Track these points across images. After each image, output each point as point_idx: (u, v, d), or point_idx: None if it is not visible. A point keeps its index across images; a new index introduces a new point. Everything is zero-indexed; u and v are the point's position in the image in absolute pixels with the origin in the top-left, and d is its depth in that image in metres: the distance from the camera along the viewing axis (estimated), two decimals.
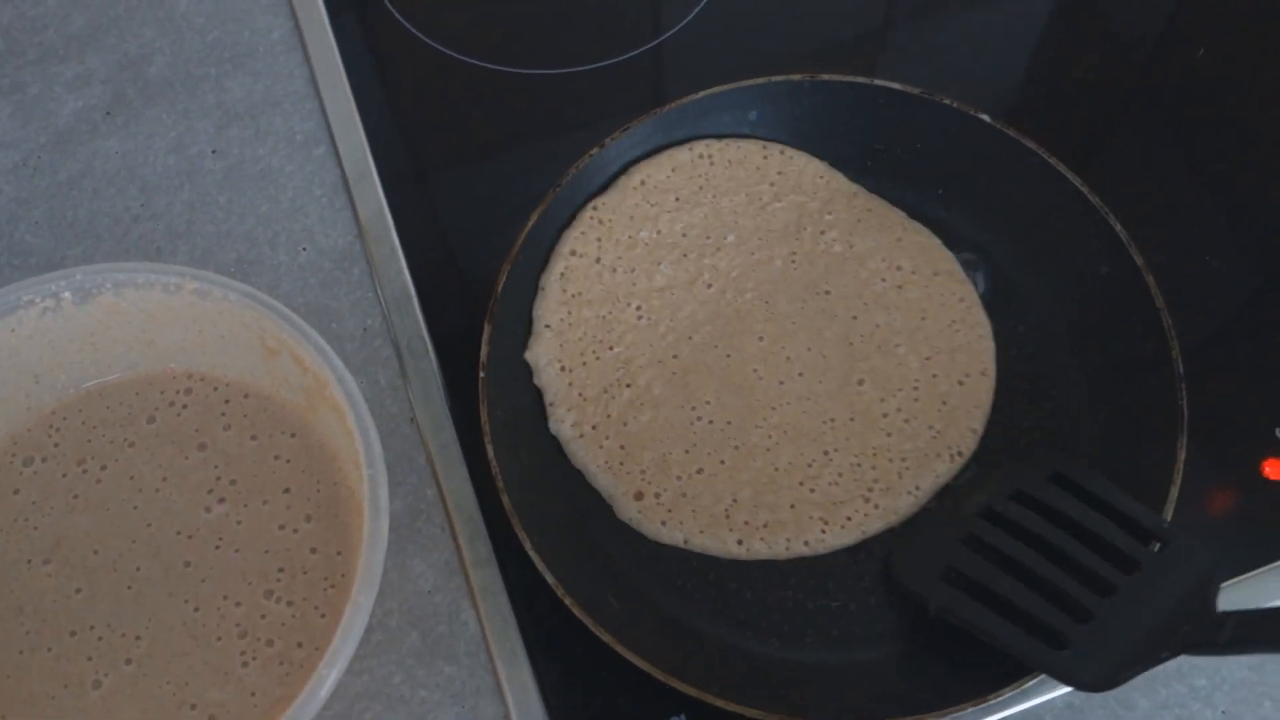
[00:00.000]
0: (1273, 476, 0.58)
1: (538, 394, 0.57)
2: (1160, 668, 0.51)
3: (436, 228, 0.64)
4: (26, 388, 0.54)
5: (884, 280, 0.60)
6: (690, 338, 0.58)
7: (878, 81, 0.60)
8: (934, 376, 0.57)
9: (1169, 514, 0.51)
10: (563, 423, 0.56)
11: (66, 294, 0.51)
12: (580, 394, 0.57)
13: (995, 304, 0.60)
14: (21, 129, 0.66)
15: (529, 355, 0.57)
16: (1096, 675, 0.48)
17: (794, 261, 0.60)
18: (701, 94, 0.59)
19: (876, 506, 0.55)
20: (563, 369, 0.57)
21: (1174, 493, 0.51)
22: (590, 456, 0.56)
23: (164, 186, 0.64)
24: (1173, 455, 0.52)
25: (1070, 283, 0.59)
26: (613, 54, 0.69)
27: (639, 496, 0.55)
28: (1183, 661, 0.53)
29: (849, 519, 0.54)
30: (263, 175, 0.64)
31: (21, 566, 0.51)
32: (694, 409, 0.57)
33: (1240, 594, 0.54)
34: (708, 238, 0.60)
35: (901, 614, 0.53)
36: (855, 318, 0.59)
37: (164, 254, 0.62)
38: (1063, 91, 0.70)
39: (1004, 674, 0.49)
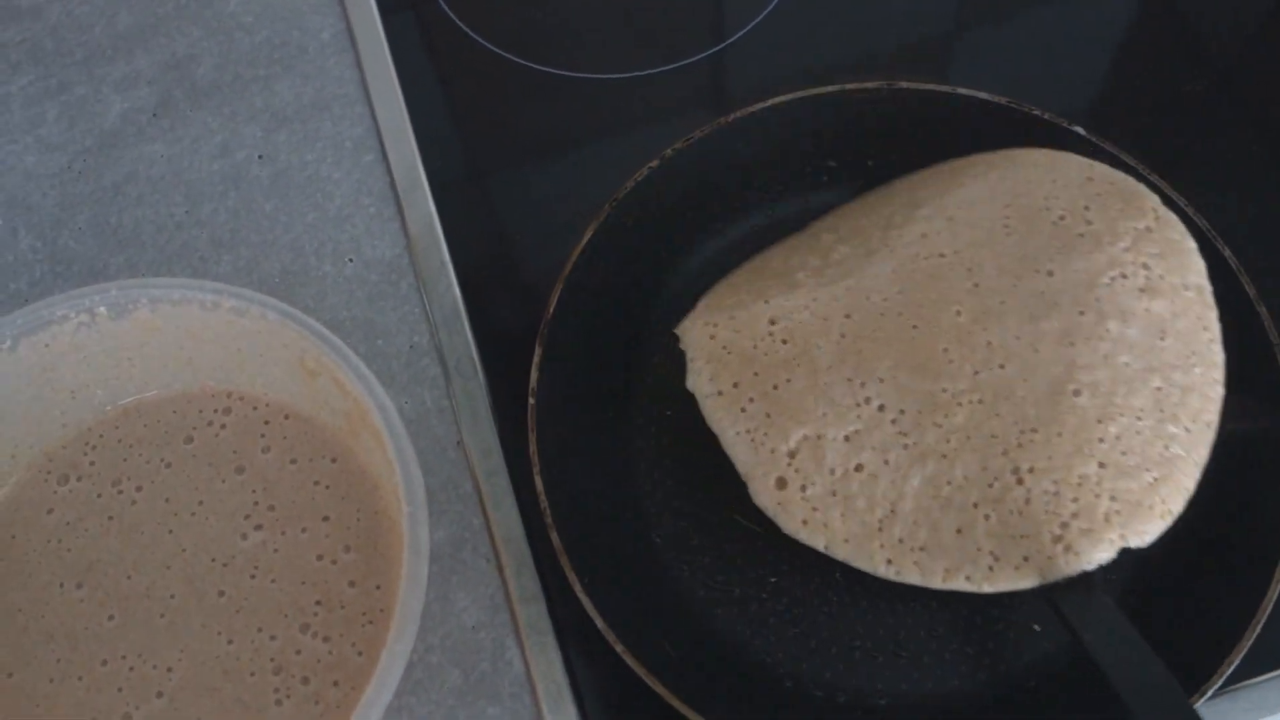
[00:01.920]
0: None
1: (593, 424, 0.54)
2: None
3: (489, 240, 0.61)
4: (62, 404, 0.52)
5: (1125, 277, 0.47)
6: (869, 297, 0.48)
7: (961, 90, 0.55)
8: (1162, 412, 0.46)
9: None
10: (699, 374, 0.48)
11: (102, 309, 0.49)
12: (725, 347, 0.48)
13: None
14: (68, 131, 0.64)
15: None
16: None
17: (1008, 225, 0.49)
18: (770, 102, 0.56)
19: (1068, 549, 0.44)
20: (706, 323, 0.50)
21: None
22: (729, 420, 0.47)
23: (209, 193, 0.62)
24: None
25: None
26: (675, 59, 0.66)
27: (781, 484, 0.46)
28: None
29: (1026, 559, 0.44)
30: (310, 182, 0.62)
31: (54, 590, 0.50)
32: (863, 386, 0.47)
33: None
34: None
35: (975, 670, 0.50)
36: (1082, 313, 0.47)
37: (207, 263, 0.60)
38: (1146, 101, 0.65)
39: None
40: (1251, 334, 0.51)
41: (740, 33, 0.67)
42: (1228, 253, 0.51)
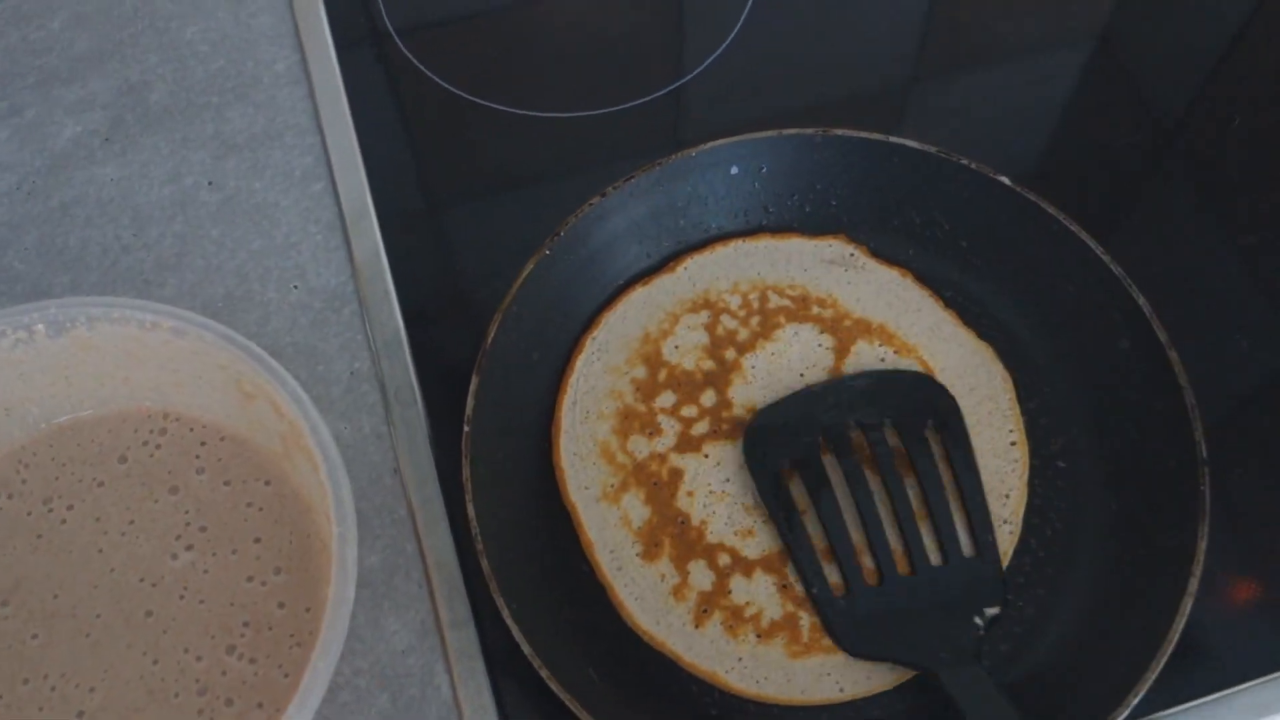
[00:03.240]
0: None
1: (526, 452, 0.55)
2: None
3: (433, 272, 0.62)
4: None
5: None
6: None
7: (893, 139, 0.57)
8: None
9: (1187, 607, 0.48)
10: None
11: (39, 326, 0.49)
12: None
13: (1013, 375, 0.57)
14: (18, 152, 0.65)
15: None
16: (854, 638, 0.51)
17: None
18: (709, 145, 0.57)
19: None
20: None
21: (1194, 584, 0.48)
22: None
23: (157, 217, 0.62)
24: (1193, 543, 0.49)
25: (1090, 356, 0.56)
26: (628, 98, 0.68)
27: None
28: None
29: None
30: (257, 209, 0.63)
31: None
32: None
33: (1265, 696, 0.51)
34: None
35: (896, 702, 0.50)
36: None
37: (151, 286, 0.60)
38: (1091, 158, 0.68)
39: None
40: (1161, 371, 0.53)
41: (694, 73, 0.69)
42: (1141, 300, 0.53)
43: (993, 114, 0.69)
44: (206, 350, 0.49)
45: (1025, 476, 0.55)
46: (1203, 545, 0.49)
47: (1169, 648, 0.47)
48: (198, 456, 0.52)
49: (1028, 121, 0.69)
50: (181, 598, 0.49)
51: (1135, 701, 0.46)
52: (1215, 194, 0.66)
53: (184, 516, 0.51)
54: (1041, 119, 0.69)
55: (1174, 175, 0.67)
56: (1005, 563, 0.53)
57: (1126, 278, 0.54)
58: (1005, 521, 0.54)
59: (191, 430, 0.53)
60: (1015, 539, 0.54)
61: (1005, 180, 0.57)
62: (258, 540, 0.50)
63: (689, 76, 0.69)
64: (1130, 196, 0.67)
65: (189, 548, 0.50)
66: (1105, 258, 0.55)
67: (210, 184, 0.64)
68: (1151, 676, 0.47)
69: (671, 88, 0.68)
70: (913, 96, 0.70)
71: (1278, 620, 0.54)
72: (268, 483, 0.51)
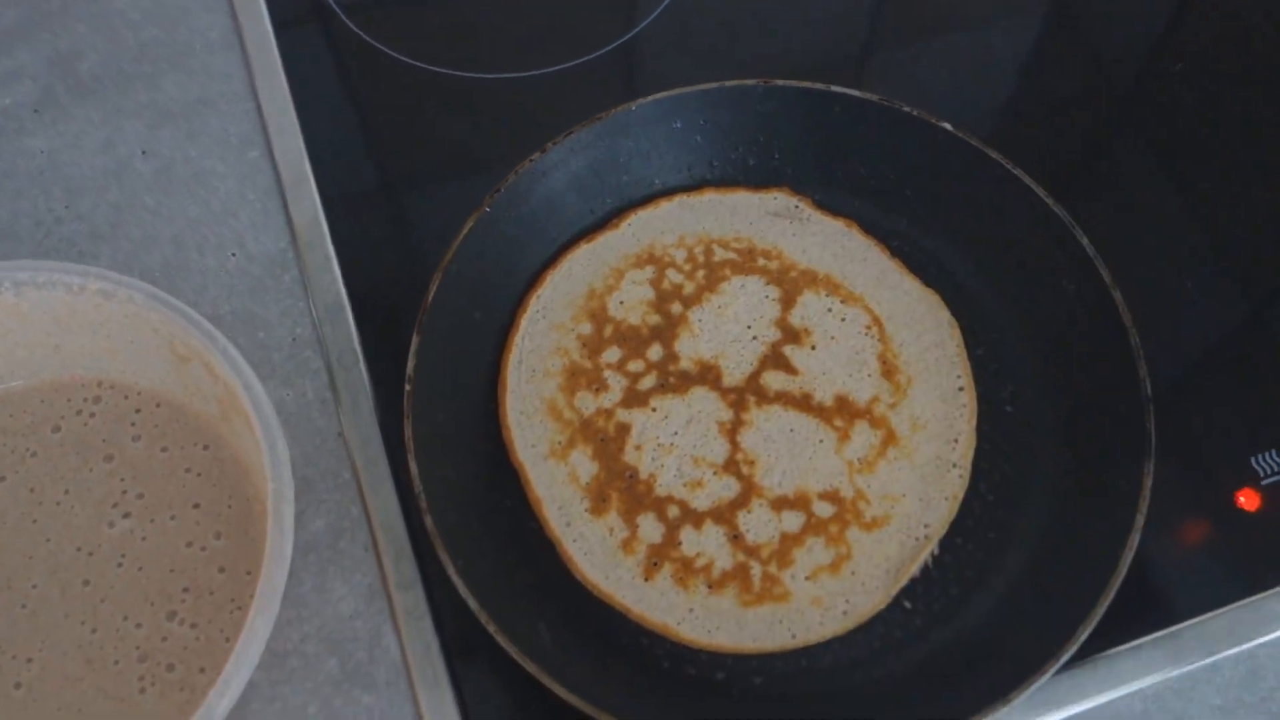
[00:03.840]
0: (1248, 507, 0.55)
1: (472, 412, 0.54)
2: (1125, 707, 0.51)
3: (375, 235, 0.61)
4: None
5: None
6: None
7: (835, 88, 0.57)
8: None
9: (1134, 543, 0.48)
10: None
11: None
12: None
13: (960, 322, 0.57)
14: None
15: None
16: None
17: None
18: (649, 99, 0.57)
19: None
20: None
21: (1140, 520, 0.48)
22: None
23: (90, 187, 0.61)
24: (1139, 481, 0.49)
25: (1036, 301, 0.56)
26: (576, 55, 0.67)
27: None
28: (1149, 702, 0.51)
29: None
30: (194, 177, 0.62)
31: None
32: None
33: (1212, 630, 0.51)
34: None
35: (848, 648, 0.50)
36: None
37: (85, 257, 0.59)
38: (1044, 116, 0.68)
39: (959, 711, 0.46)
40: (1106, 312, 0.53)
41: (642, 24, 0.68)
42: (1085, 241, 0.54)
43: (953, 76, 0.69)
44: (138, 313, 0.48)
45: (973, 421, 0.55)
46: (1149, 483, 0.49)
47: (1116, 583, 0.47)
48: (133, 424, 0.51)
49: (987, 83, 0.69)
50: (120, 565, 0.48)
51: (1084, 636, 0.46)
52: (1162, 144, 0.66)
53: (120, 484, 0.50)
54: (1000, 80, 0.69)
55: (1128, 128, 0.68)
56: (955, 507, 0.53)
57: (1071, 221, 0.54)
58: (954, 466, 0.54)
59: (126, 397, 0.52)
60: (965, 483, 0.53)
61: (948, 126, 0.56)
62: (197, 506, 0.49)
63: (639, 28, 0.68)
64: (1080, 150, 0.67)
65: (126, 515, 0.49)
66: (1049, 201, 0.55)
67: (145, 153, 0.62)
68: (1099, 612, 0.47)
69: (620, 42, 0.68)
70: (870, 58, 0.70)
71: (1225, 557, 0.54)
72: (206, 447, 0.51)
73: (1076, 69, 0.70)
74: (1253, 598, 0.53)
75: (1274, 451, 0.56)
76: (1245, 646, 0.52)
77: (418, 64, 0.67)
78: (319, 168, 0.62)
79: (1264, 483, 0.55)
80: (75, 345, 0.51)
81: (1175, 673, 0.51)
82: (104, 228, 0.60)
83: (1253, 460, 0.56)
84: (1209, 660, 0.51)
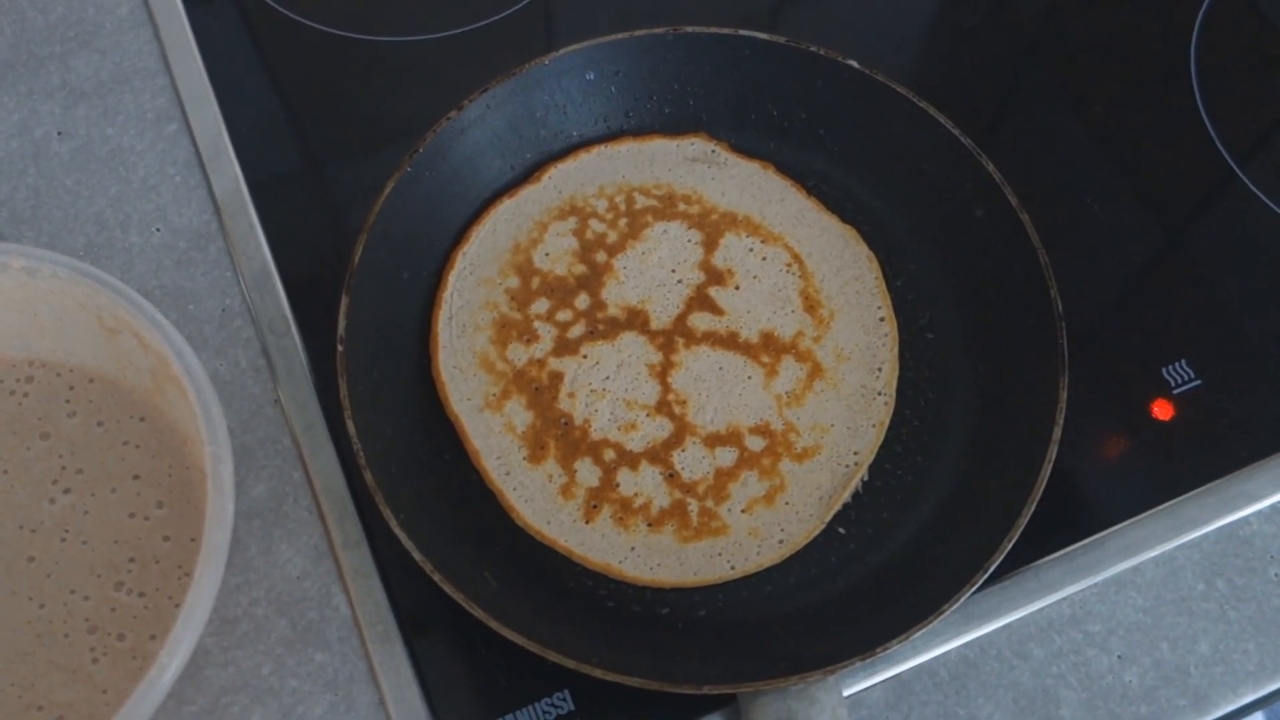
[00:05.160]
0: (1161, 417, 0.58)
1: (405, 369, 0.55)
2: (1055, 614, 0.52)
3: (299, 201, 0.62)
4: None
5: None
6: None
7: (742, 32, 0.58)
8: None
9: (1053, 454, 0.50)
10: None
11: None
12: None
13: (878, 255, 0.58)
14: None
15: None
16: None
17: None
18: (561, 52, 0.58)
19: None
20: None
21: (1057, 433, 0.50)
22: None
23: (6, 171, 0.61)
24: (1055, 396, 0.51)
25: (949, 229, 0.58)
26: (491, 13, 0.67)
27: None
28: (1076, 607, 0.53)
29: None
30: (112, 155, 0.61)
31: None
32: None
33: (1133, 536, 0.54)
34: None
35: (786, 575, 0.52)
36: None
37: (6, 240, 0.58)
38: (955, 48, 0.69)
39: (894, 627, 0.47)
40: (1015, 234, 0.55)
41: None
42: (991, 167, 0.55)
43: (862, 16, 0.70)
44: (63, 288, 0.48)
45: (895, 350, 0.56)
46: (1064, 397, 0.51)
47: (1037, 495, 0.49)
48: (68, 401, 0.51)
49: (897, 21, 0.70)
50: (63, 540, 0.49)
51: (1008, 547, 0.48)
52: (1067, 73, 0.68)
53: (59, 461, 0.50)
54: (910, 18, 0.70)
55: (1030, 58, 0.69)
56: (882, 433, 0.55)
57: (976, 148, 0.56)
58: (879, 393, 0.55)
59: (59, 375, 0.52)
60: (890, 410, 0.55)
61: (854, 64, 0.58)
62: (137, 477, 0.50)
63: None
64: (988, 82, 0.68)
65: (66, 491, 0.50)
66: (955, 131, 0.56)
67: (60, 134, 0.62)
68: (1022, 524, 0.49)
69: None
70: (785, 2, 0.71)
71: (1141, 464, 0.56)
72: (142, 419, 0.51)
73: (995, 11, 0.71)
74: (1169, 502, 0.55)
75: (1184, 362, 0.59)
76: (1164, 549, 0.54)
77: (331, 30, 0.67)
78: (238, 138, 0.62)
79: (1175, 392, 0.58)
80: (3, 325, 0.51)
81: (1100, 578, 0.53)
82: (24, 211, 0.60)
83: (1163, 371, 0.59)
84: (1131, 563, 0.54)
